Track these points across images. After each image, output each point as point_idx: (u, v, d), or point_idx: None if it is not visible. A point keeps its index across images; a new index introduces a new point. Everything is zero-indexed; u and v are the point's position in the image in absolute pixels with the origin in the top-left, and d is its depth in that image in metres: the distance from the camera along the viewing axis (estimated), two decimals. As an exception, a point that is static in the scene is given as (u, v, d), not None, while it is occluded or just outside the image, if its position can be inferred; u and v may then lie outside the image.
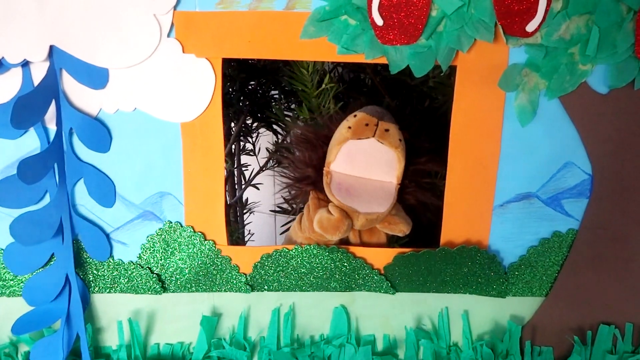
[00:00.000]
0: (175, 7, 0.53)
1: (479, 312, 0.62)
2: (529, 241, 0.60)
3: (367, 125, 0.58)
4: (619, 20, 0.51)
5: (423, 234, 0.70)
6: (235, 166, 0.95)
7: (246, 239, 0.99)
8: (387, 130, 0.58)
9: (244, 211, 1.01)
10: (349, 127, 0.59)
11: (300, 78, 0.70)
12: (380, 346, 0.64)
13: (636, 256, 0.59)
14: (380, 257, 0.60)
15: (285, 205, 0.88)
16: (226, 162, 0.92)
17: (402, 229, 0.61)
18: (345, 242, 0.63)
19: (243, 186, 0.97)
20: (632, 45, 0.51)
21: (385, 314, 0.63)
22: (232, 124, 0.88)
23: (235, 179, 0.97)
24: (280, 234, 1.01)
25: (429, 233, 0.64)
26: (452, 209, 0.59)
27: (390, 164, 0.59)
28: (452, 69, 0.55)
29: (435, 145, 0.63)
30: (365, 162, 0.59)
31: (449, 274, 0.60)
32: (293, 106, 0.82)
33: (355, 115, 0.59)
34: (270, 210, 0.95)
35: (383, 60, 0.54)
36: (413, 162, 0.62)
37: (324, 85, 0.70)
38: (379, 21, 0.52)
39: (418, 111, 0.73)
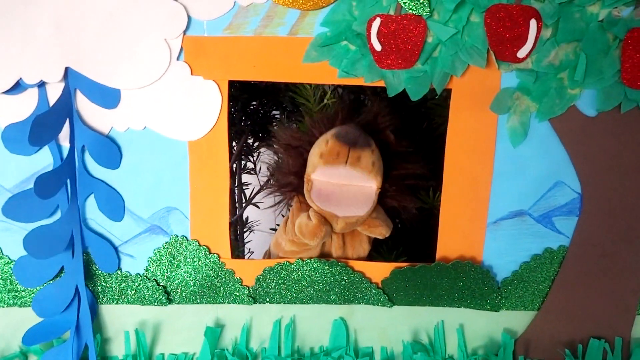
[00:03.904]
0: (184, 32, 0.55)
1: (474, 326, 0.64)
2: (522, 257, 0.62)
3: (338, 154, 0.58)
4: (606, 47, 0.54)
5: (419, 249, 0.71)
6: (236, 185, 0.96)
7: (246, 257, 0.99)
8: (358, 158, 0.58)
9: (244, 229, 1.01)
10: (321, 156, 0.59)
11: (302, 93, 0.73)
12: (378, 358, 0.65)
13: (624, 272, 0.61)
14: (378, 271, 0.62)
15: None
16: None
17: (381, 231, 0.62)
18: (325, 254, 0.65)
19: (244, 205, 0.98)
20: (618, 72, 0.54)
21: (383, 326, 0.64)
22: (234, 143, 0.89)
23: (236, 197, 0.97)
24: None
25: (425, 248, 0.66)
26: (447, 225, 0.61)
27: (367, 180, 0.59)
28: (448, 92, 0.57)
29: (417, 149, 0.64)
30: (342, 179, 0.60)
31: (444, 288, 0.62)
32: (294, 126, 0.84)
33: (327, 142, 0.59)
34: (270, 229, 0.96)
35: (381, 84, 0.56)
36: (397, 167, 0.63)
37: (325, 101, 0.73)
38: (378, 47, 0.54)
39: (417, 131, 0.75)
